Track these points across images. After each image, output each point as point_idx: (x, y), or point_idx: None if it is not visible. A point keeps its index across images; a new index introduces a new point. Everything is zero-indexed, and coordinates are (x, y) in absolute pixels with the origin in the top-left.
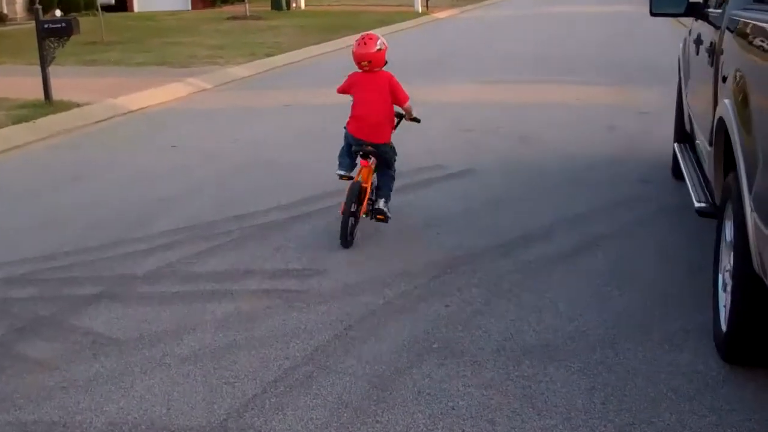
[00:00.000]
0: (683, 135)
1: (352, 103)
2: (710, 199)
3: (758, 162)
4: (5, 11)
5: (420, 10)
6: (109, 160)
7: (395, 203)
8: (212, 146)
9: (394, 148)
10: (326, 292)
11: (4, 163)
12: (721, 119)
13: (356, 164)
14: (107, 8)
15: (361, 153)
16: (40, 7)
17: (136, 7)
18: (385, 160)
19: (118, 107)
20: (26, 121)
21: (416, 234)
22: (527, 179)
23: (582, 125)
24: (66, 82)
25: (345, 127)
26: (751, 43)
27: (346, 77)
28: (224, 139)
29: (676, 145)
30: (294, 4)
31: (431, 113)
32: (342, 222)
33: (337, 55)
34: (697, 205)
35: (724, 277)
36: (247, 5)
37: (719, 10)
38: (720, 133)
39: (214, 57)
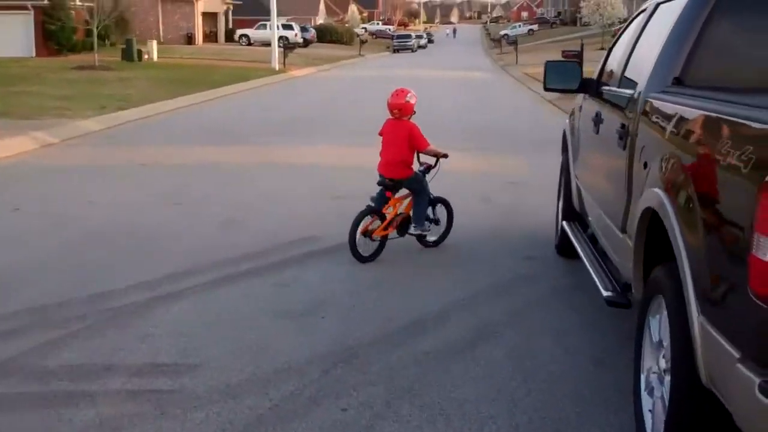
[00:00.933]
0: (572, 213)
1: (382, 146)
2: (617, 287)
3: (709, 259)
4: None
5: (277, 68)
6: None
7: (269, 280)
8: (62, 210)
9: (418, 179)
10: (203, 393)
11: None
12: (648, 210)
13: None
14: None
15: (384, 186)
16: None
17: None
18: (411, 190)
19: None
20: None
21: (299, 320)
22: (408, 255)
23: (455, 195)
24: None
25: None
26: (689, 131)
27: (385, 123)
28: (76, 201)
29: (565, 223)
30: (146, 56)
31: (298, 177)
32: (350, 233)
33: (191, 111)
34: (605, 294)
35: (649, 379)
36: (96, 55)
37: (627, 91)
38: (643, 222)
39: (61, 109)
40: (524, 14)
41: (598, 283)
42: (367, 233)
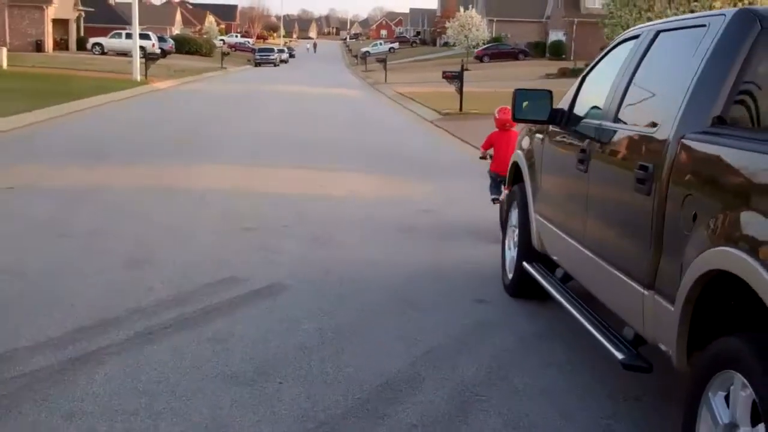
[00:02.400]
0: (531, 253)
1: (494, 152)
2: (628, 347)
3: None
4: None
5: (139, 79)
6: None
7: (202, 335)
8: None
9: None
10: None
11: None
12: (711, 273)
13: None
14: None
15: (503, 182)
16: None
17: None
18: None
19: None
20: None
21: (254, 387)
22: (352, 298)
23: (372, 225)
24: None
25: (491, 170)
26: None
27: (488, 137)
28: None
29: (527, 265)
30: None
31: (196, 204)
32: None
33: (54, 125)
34: (620, 357)
35: None
36: None
37: (647, 130)
38: (698, 286)
39: None
40: (383, 32)
41: (606, 343)
42: None
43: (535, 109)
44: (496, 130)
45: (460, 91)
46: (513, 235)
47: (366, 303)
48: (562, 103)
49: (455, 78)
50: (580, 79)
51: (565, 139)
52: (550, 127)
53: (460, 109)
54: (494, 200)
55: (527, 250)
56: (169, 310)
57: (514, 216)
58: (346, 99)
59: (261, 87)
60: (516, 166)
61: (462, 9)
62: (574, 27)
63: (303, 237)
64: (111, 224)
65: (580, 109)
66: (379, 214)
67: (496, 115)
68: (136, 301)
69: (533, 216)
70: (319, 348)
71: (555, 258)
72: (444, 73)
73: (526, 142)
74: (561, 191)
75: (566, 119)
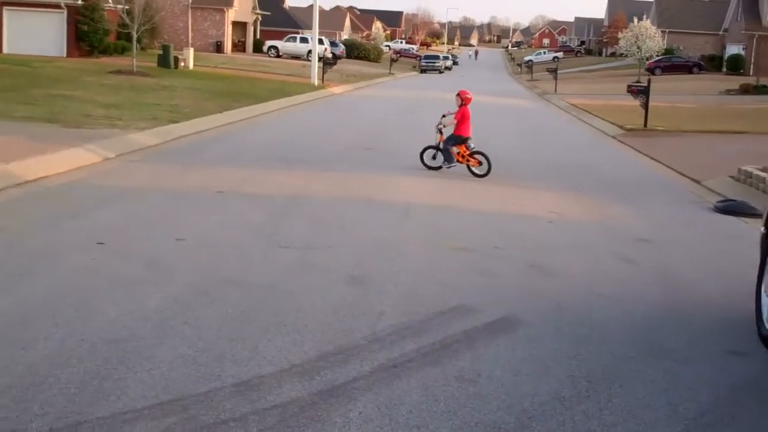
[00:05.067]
0: None
1: (461, 120)
2: None
3: None
4: None
5: (316, 83)
6: (14, 261)
7: (447, 372)
8: (151, 248)
9: None
10: None
11: None
12: None
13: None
14: None
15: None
16: None
17: (6, 49)
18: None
19: (11, 175)
20: None
21: None
22: (594, 340)
23: (587, 252)
24: None
25: (458, 134)
26: None
27: (461, 111)
28: (162, 236)
29: None
30: (182, 63)
31: (399, 218)
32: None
33: (244, 127)
34: None
35: None
36: (134, 60)
37: None
38: None
39: (111, 118)
40: (546, 41)
41: None
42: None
43: None
44: (464, 105)
45: (646, 106)
46: None
47: (610, 347)
48: None
49: (641, 92)
50: None
51: None
52: None
53: (645, 124)
54: (449, 167)
55: None
56: (407, 341)
57: None
58: (517, 109)
59: (431, 94)
60: None
61: (636, 19)
62: (755, 41)
63: (520, 262)
64: (322, 236)
65: None
66: (591, 240)
67: (468, 96)
68: (369, 326)
69: None
70: (577, 399)
71: None
72: (629, 86)
73: None
74: None
75: None
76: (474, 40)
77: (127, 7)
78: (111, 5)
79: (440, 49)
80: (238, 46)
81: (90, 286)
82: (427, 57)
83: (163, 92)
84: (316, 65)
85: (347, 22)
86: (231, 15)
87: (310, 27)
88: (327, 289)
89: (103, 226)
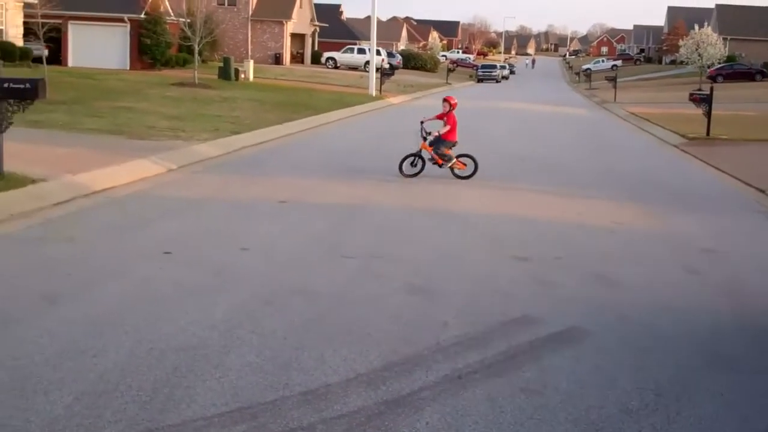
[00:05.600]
0: None
1: (451, 125)
2: None
3: None
4: None
5: (374, 94)
6: (85, 271)
7: (513, 383)
8: (218, 257)
9: None
10: None
11: None
12: None
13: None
14: (37, 60)
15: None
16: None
17: (71, 62)
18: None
19: (79, 186)
20: None
21: None
22: (660, 352)
23: (651, 263)
24: (11, 147)
25: (446, 138)
26: None
27: (451, 117)
28: (227, 245)
29: None
30: (242, 75)
31: (462, 228)
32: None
33: (305, 138)
34: None
35: None
36: (195, 72)
37: None
38: None
39: (174, 129)
40: (604, 49)
41: None
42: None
43: None
44: (452, 111)
45: (708, 114)
46: None
47: (677, 358)
48: None
49: (703, 100)
50: None
51: None
52: None
53: (707, 133)
54: (442, 166)
55: None
56: (471, 351)
57: None
58: (575, 118)
59: (488, 103)
60: None
61: (696, 26)
62: None
63: (582, 272)
64: (384, 246)
65: None
66: (654, 250)
67: (453, 101)
68: (433, 336)
69: None
70: (645, 412)
71: None
72: (691, 94)
73: None
74: None
75: None
76: (531, 49)
77: (188, 20)
78: (173, 18)
79: (497, 58)
80: (297, 58)
81: (158, 295)
82: (483, 66)
83: (225, 104)
84: (373, 76)
85: (404, 33)
86: (290, 27)
87: (367, 38)
88: (390, 298)
89: (169, 235)
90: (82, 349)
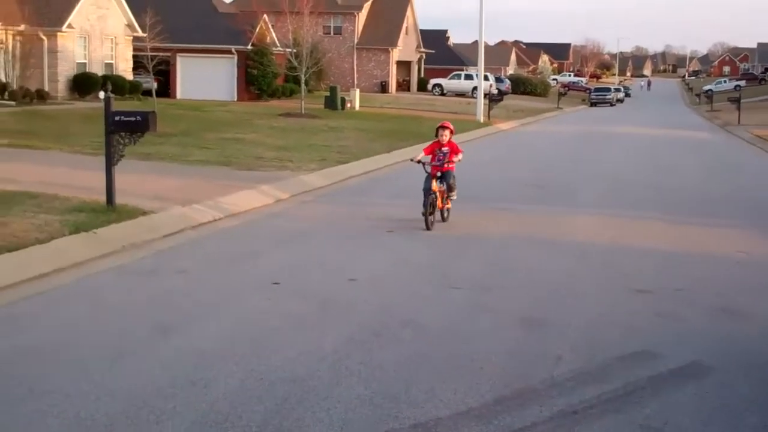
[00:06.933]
0: None
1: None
2: None
3: None
4: (47, 89)
5: (482, 120)
6: (195, 302)
7: (633, 419)
8: (326, 287)
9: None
10: None
11: (56, 291)
12: None
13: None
14: (146, 93)
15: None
16: (111, 95)
17: (179, 94)
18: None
19: (188, 218)
20: (85, 230)
21: None
22: None
23: None
24: (122, 179)
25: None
26: None
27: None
28: (335, 275)
29: None
30: (348, 104)
31: (578, 259)
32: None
33: (412, 167)
34: None
35: None
36: (302, 102)
37: None
38: None
39: (281, 160)
40: (726, 69)
41: None
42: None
43: None
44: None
45: None
46: None
47: None
48: None
49: None
50: None
51: None
52: None
53: None
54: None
55: None
56: (587, 386)
57: None
58: (696, 142)
59: (601, 128)
60: None
61: None
62: None
63: (705, 305)
64: (495, 277)
65: None
66: None
67: (451, 126)
68: (546, 370)
69: None
70: None
71: None
72: None
73: None
74: None
75: None
76: (647, 71)
77: (294, 50)
78: (279, 49)
79: (611, 80)
80: (403, 86)
81: (266, 326)
82: (597, 90)
83: (331, 133)
84: (481, 102)
85: (513, 57)
86: (395, 55)
87: (474, 63)
88: (501, 331)
89: (277, 266)
90: (193, 380)
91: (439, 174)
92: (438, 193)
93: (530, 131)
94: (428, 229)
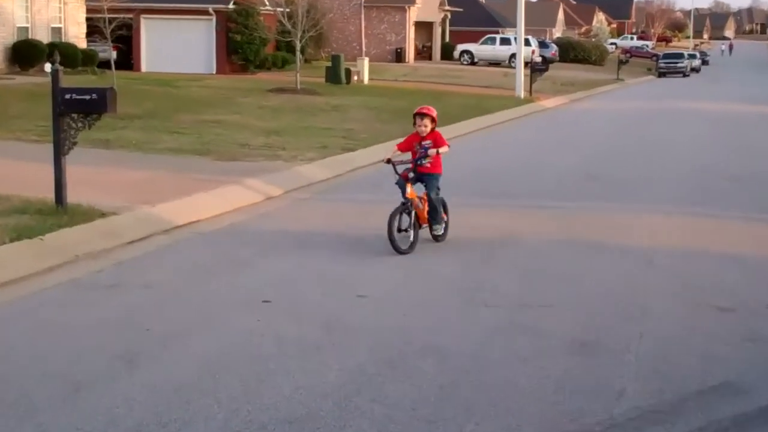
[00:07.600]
0: None
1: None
2: None
3: None
4: None
5: (522, 95)
6: (166, 324)
7: None
8: (328, 306)
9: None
10: None
11: None
12: None
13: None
14: (103, 64)
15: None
16: (60, 68)
17: (144, 66)
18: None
19: (158, 220)
20: (29, 236)
21: None
22: None
23: None
24: (76, 172)
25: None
26: None
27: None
28: (339, 292)
29: None
30: (355, 77)
31: (642, 268)
32: None
33: None
34: None
35: None
36: (298, 75)
37: None
38: None
39: (272, 147)
40: None
41: None
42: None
43: None
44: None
45: None
46: None
47: None
48: None
49: None
50: None
51: None
52: None
53: None
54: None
55: None
56: (656, 427)
57: None
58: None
59: (671, 104)
60: None
61: None
62: None
63: None
64: (537, 292)
65: None
66: None
67: (434, 113)
68: (605, 408)
69: None
70: None
71: None
72: None
73: None
74: None
75: None
76: (729, 31)
77: (287, 9)
78: (269, 9)
79: (684, 44)
80: (423, 53)
81: (256, 354)
82: (666, 56)
83: (334, 113)
84: (521, 73)
85: (560, 16)
86: (413, 14)
87: (512, 24)
88: (546, 359)
89: (268, 280)
90: (164, 422)
91: (411, 175)
92: (417, 201)
93: (583, 109)
94: (399, 252)
